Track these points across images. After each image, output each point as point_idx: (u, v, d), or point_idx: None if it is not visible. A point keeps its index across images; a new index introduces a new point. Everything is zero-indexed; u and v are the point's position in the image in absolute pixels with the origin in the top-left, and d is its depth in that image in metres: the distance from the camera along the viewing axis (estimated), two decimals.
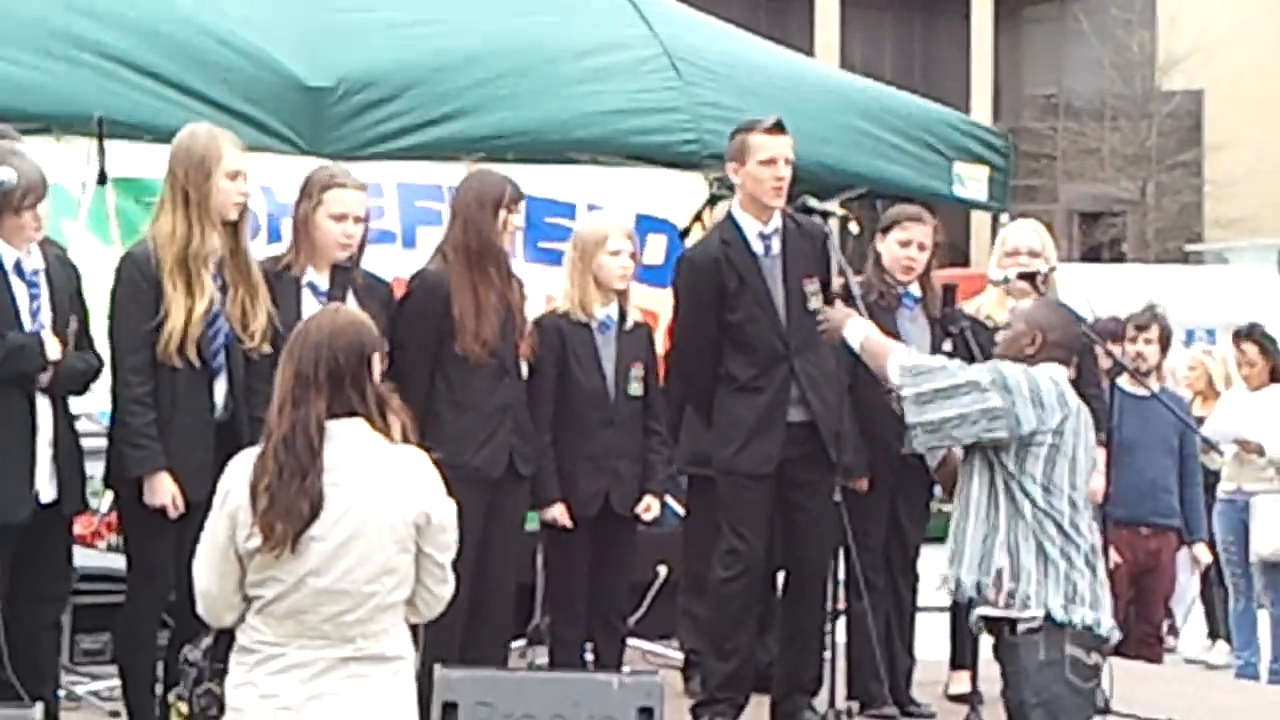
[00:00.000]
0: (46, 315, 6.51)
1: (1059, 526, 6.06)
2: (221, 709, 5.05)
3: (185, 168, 6.61)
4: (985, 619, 6.18)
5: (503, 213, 7.23)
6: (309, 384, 4.92)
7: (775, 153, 7.51)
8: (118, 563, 8.30)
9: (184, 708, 5.19)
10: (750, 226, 7.58)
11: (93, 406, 7.26)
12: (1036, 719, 6.02)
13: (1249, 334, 11.61)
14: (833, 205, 7.63)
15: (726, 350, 7.58)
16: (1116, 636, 6.18)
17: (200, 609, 5.06)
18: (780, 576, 7.83)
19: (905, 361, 6.42)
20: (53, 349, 6.47)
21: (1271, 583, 11.17)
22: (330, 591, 4.90)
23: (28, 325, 6.48)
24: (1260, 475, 11.15)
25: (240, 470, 4.98)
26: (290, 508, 4.84)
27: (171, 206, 6.62)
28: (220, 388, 6.67)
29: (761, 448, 7.52)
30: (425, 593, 5.09)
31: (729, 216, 7.68)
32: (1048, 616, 6.01)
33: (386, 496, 4.96)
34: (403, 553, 4.98)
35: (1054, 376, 6.20)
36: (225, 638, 5.07)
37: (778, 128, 7.55)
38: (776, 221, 7.60)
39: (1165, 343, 10.21)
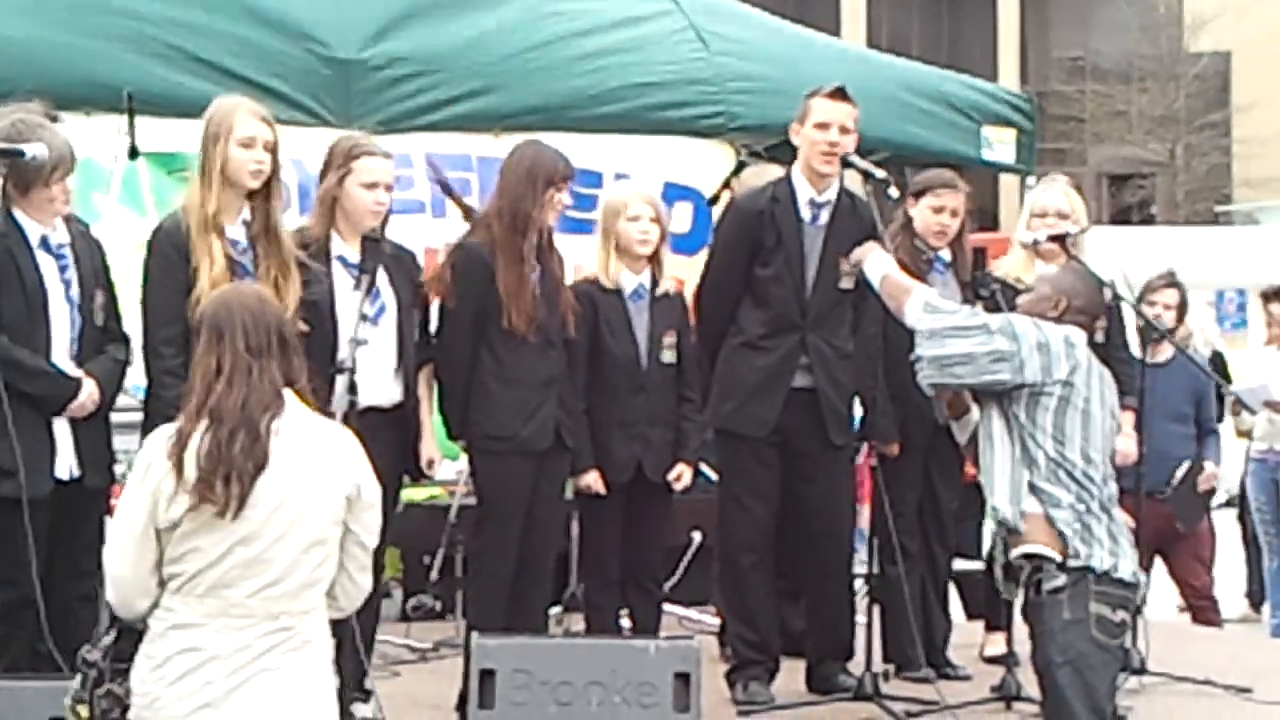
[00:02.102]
0: (76, 290, 6.53)
1: (1071, 475, 6.08)
2: (124, 711, 4.89)
3: (205, 136, 6.65)
4: (1010, 567, 6.19)
5: (551, 190, 7.19)
6: (263, 353, 4.92)
7: (830, 118, 7.50)
8: None
9: (84, 711, 4.94)
10: (803, 191, 7.57)
11: (127, 381, 7.28)
12: (1063, 677, 6.03)
13: (1278, 294, 11.58)
14: (873, 167, 7.60)
15: (744, 304, 7.59)
16: (1143, 582, 6.19)
17: (111, 596, 4.94)
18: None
19: (924, 298, 6.47)
20: (88, 394, 6.50)
21: None
22: (260, 561, 4.82)
23: (59, 300, 6.48)
24: None
25: (158, 445, 4.89)
26: (238, 468, 4.78)
27: (198, 175, 6.66)
28: None
29: (759, 410, 7.53)
30: (346, 580, 5.04)
31: (787, 175, 7.68)
32: (1063, 566, 6.02)
33: (319, 466, 4.93)
34: (333, 524, 4.93)
35: (1069, 334, 6.22)
36: (129, 637, 4.91)
37: (839, 94, 7.54)
38: (832, 194, 7.57)
39: (1182, 309, 10.14)
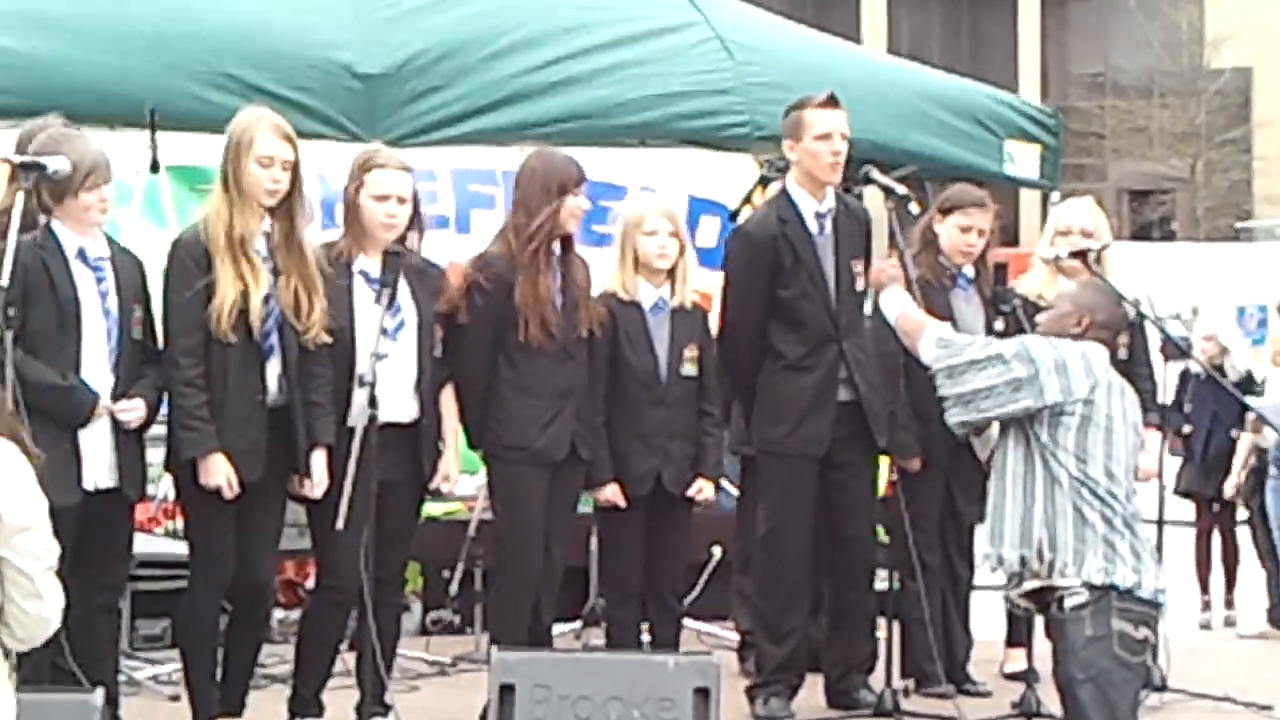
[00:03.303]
0: (114, 302, 6.53)
1: (1094, 493, 6.08)
2: None
3: (227, 148, 6.67)
4: (1030, 594, 6.19)
5: (567, 197, 7.22)
6: None
7: (830, 127, 7.53)
8: (176, 548, 8.37)
9: None
10: (806, 204, 7.60)
11: None
12: (1085, 695, 6.02)
13: None
14: (896, 184, 7.61)
15: (775, 328, 7.60)
16: (1164, 599, 6.18)
17: None
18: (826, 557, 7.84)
19: (937, 334, 6.51)
20: (128, 409, 6.51)
21: None
22: None
23: (95, 312, 6.47)
24: None
25: None
26: None
27: (220, 189, 6.68)
28: (273, 370, 6.68)
29: (813, 429, 7.54)
30: (15, 609, 4.57)
31: (784, 193, 7.69)
32: (1087, 583, 6.02)
33: None
34: None
35: (1086, 351, 6.22)
36: None
37: (831, 102, 7.57)
38: (830, 200, 7.63)
39: None
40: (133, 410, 6.52)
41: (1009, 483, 6.21)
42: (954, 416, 6.33)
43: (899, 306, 6.84)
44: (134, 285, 6.62)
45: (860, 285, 7.62)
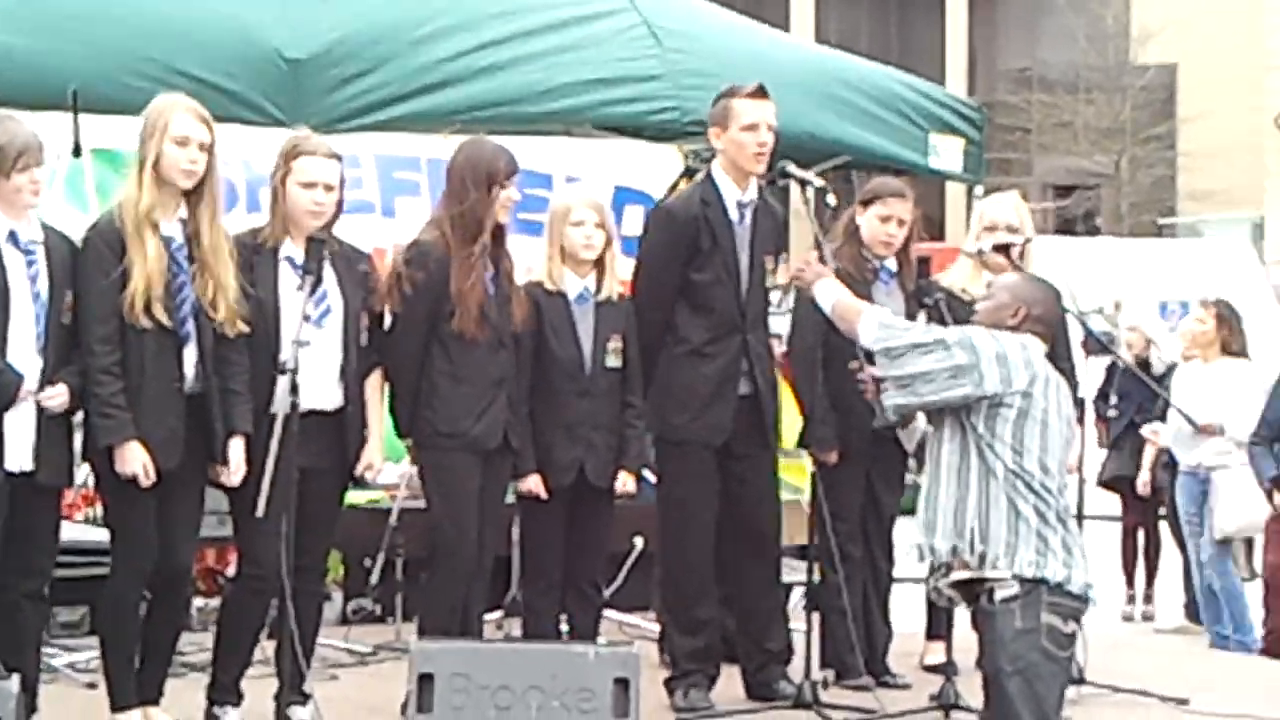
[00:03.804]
0: (44, 286, 6.49)
1: (1029, 486, 6.08)
2: None
3: (142, 132, 6.64)
4: (958, 584, 6.20)
5: (496, 189, 7.21)
6: None
7: (758, 118, 7.54)
8: (94, 535, 8.33)
9: None
10: (730, 192, 7.61)
11: None
12: (1013, 687, 6.03)
13: (1210, 303, 11.60)
14: (812, 175, 7.63)
15: (682, 310, 7.61)
16: (1093, 595, 6.20)
17: None
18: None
19: (878, 318, 6.48)
20: (53, 395, 6.48)
21: (1220, 555, 11.22)
22: None
23: (24, 296, 6.44)
24: (1220, 450, 11.21)
25: None
26: None
27: (135, 172, 6.65)
28: (190, 357, 6.63)
29: (715, 418, 7.57)
30: None
31: (709, 177, 7.70)
32: (1018, 576, 6.03)
33: None
34: None
35: (1025, 343, 6.23)
36: None
37: (760, 93, 7.58)
38: (753, 192, 7.65)
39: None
40: (56, 397, 6.48)
41: (943, 472, 6.21)
42: (891, 399, 6.30)
43: (834, 294, 6.78)
44: (66, 270, 6.58)
45: (771, 281, 7.63)
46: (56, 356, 6.52)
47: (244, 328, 6.72)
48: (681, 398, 7.60)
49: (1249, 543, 11.55)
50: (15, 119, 6.55)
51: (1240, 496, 10.77)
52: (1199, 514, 11.33)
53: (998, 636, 6.06)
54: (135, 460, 6.50)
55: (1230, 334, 11.35)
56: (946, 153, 10.22)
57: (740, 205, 7.63)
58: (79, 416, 6.66)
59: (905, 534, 8.28)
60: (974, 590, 6.17)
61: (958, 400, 6.14)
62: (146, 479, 6.52)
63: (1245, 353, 11.40)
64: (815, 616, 7.63)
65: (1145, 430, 12.28)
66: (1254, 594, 11.13)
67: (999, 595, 6.06)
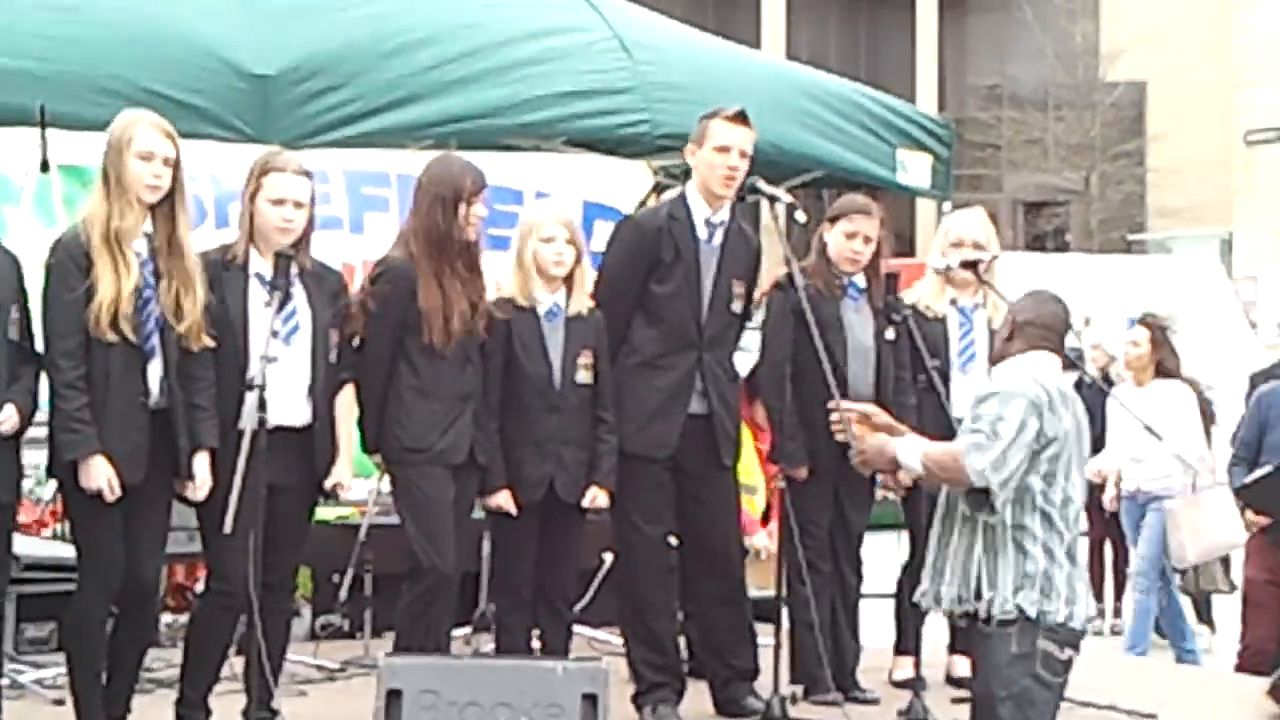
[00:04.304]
0: None
1: (1047, 518, 5.98)
2: None
3: (107, 149, 6.63)
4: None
5: (463, 206, 7.23)
6: None
7: (730, 141, 7.54)
8: (62, 551, 8.32)
9: None
10: (699, 209, 7.62)
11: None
12: (1005, 713, 5.96)
13: (1143, 321, 11.56)
14: (781, 192, 7.64)
15: (638, 322, 7.61)
16: (1091, 630, 6.12)
17: None
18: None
19: (970, 441, 6.02)
20: (6, 416, 6.49)
21: (1154, 573, 11.27)
22: None
23: None
24: (1154, 475, 11.25)
25: None
26: None
27: (100, 187, 6.64)
28: (154, 372, 6.62)
29: (660, 430, 7.57)
30: None
31: (681, 195, 7.71)
32: (1019, 608, 5.97)
33: None
34: None
35: (1044, 379, 6.05)
36: None
37: (740, 118, 7.58)
38: (725, 215, 7.64)
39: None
40: (6, 421, 6.49)
41: (956, 519, 6.11)
42: (1007, 498, 5.99)
43: (918, 448, 6.23)
44: (10, 285, 6.58)
45: (737, 307, 7.63)
46: (5, 372, 6.51)
47: (209, 342, 6.71)
48: (629, 409, 7.60)
49: (1225, 558, 11.59)
50: None
51: (1198, 526, 10.74)
52: (1135, 537, 11.42)
53: (992, 661, 6.00)
54: (100, 475, 6.49)
55: (1165, 355, 11.35)
56: (914, 168, 10.25)
57: (709, 224, 7.63)
58: (34, 432, 6.65)
59: (873, 549, 8.33)
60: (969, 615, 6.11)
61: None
62: (111, 494, 6.50)
63: (1179, 373, 11.41)
64: (783, 632, 7.63)
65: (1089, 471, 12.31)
66: (1231, 607, 11.19)
67: (996, 618, 6.00)
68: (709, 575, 7.74)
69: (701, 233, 7.62)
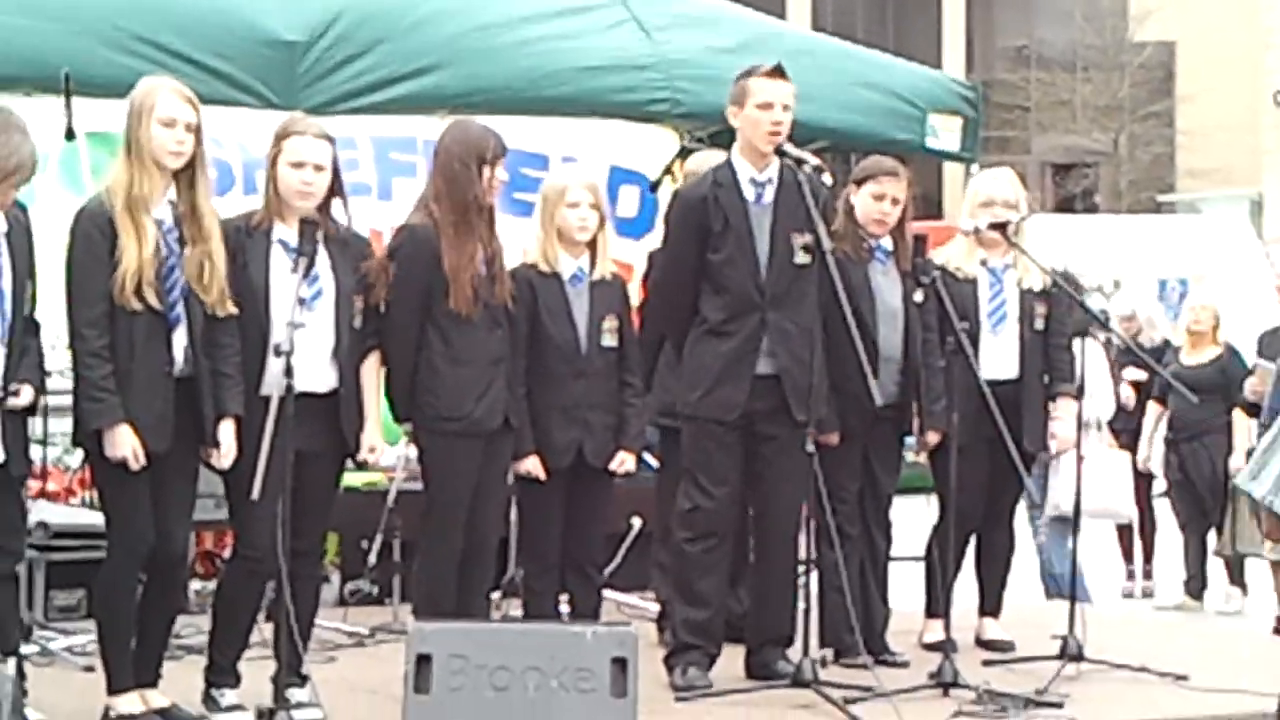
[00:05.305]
0: (8, 280, 6.46)
1: None
2: None
3: (129, 115, 6.61)
4: None
5: (485, 169, 7.20)
6: None
7: (773, 97, 7.49)
8: (91, 519, 8.33)
9: None
10: (744, 171, 7.56)
11: (64, 363, 7.24)
12: None
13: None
14: (807, 154, 7.58)
15: (704, 291, 7.57)
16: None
17: None
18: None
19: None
20: (19, 400, 6.48)
21: (1056, 536, 11.16)
22: None
23: None
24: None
25: None
26: None
27: (123, 155, 6.62)
28: (179, 340, 6.61)
29: (726, 394, 7.50)
30: None
31: (727, 160, 7.66)
32: None
33: None
34: None
35: None
36: None
37: (778, 72, 7.53)
38: (773, 171, 7.56)
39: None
40: (21, 400, 6.48)
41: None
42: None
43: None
44: (28, 261, 6.57)
45: (802, 259, 7.55)
46: (18, 347, 6.50)
47: (233, 309, 6.70)
48: (695, 374, 7.57)
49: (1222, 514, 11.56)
50: (24, 131, 6.46)
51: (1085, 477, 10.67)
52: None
53: None
54: (125, 443, 6.49)
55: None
56: (945, 132, 10.23)
57: (756, 183, 7.54)
58: (59, 400, 6.65)
59: (902, 512, 8.32)
60: None
61: None
62: (136, 462, 6.50)
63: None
64: (814, 596, 7.61)
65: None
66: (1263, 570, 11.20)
67: None
68: (767, 537, 7.70)
69: (749, 194, 7.55)
